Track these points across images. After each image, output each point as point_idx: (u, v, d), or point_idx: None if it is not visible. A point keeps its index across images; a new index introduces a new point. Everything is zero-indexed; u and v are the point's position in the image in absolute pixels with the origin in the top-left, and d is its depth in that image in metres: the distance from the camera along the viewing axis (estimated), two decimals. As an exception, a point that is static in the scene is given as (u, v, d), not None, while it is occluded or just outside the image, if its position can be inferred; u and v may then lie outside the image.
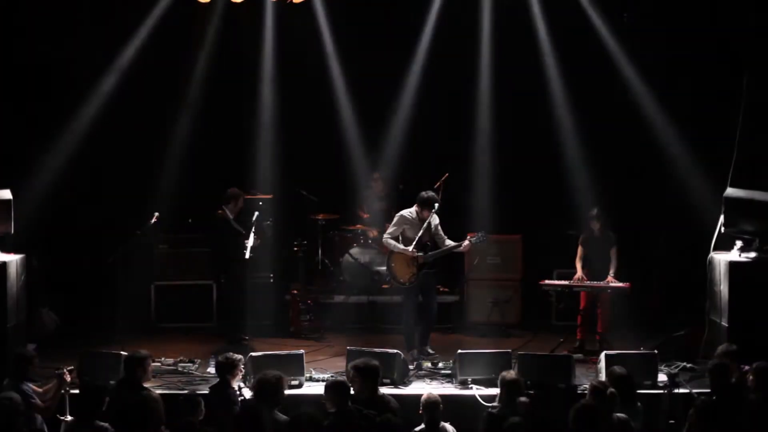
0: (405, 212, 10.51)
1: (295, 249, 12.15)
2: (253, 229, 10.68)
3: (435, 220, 10.39)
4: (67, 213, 12.69)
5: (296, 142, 13.27)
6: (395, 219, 10.56)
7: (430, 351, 10.43)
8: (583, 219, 11.08)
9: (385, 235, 10.56)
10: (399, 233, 10.37)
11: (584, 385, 9.26)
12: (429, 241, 10.35)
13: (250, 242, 10.56)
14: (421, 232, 10.20)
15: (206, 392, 8.38)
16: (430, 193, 10.46)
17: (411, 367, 9.86)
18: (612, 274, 10.72)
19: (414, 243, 10.20)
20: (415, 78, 13.31)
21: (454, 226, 11.05)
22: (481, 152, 13.18)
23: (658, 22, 12.48)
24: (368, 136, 13.15)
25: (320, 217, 12.56)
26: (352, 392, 7.86)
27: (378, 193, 12.83)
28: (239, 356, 8.47)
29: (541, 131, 13.16)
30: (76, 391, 8.50)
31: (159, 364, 9.99)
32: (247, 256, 10.41)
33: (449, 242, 10.46)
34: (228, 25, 13.09)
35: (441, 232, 10.45)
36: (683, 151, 12.65)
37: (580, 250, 10.95)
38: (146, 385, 8.45)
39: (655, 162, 12.80)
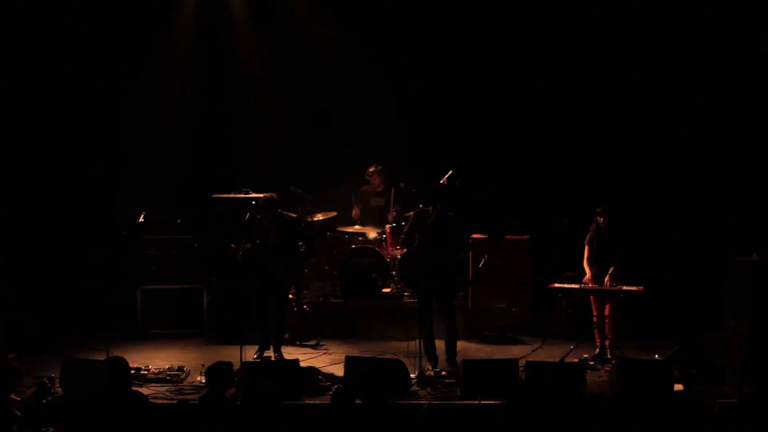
0: (420, 209, 10.45)
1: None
2: (245, 231, 10.60)
3: (453, 221, 10.26)
4: (48, 212, 12.65)
5: (291, 138, 13.24)
6: (410, 217, 10.50)
7: (458, 364, 10.04)
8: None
9: (401, 236, 10.48)
10: (415, 232, 10.25)
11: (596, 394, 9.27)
12: (443, 243, 10.22)
13: (242, 244, 10.49)
14: (427, 227, 10.09)
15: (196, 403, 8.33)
16: (432, 186, 10.39)
17: (413, 375, 9.80)
18: (610, 275, 10.63)
19: (424, 243, 10.10)
20: (419, 71, 13.29)
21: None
22: (488, 148, 13.14)
23: (671, 13, 12.48)
24: (368, 132, 13.11)
25: (317, 216, 12.48)
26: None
27: (375, 189, 12.77)
28: (230, 363, 8.42)
29: (551, 127, 13.11)
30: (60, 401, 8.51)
31: (146, 372, 9.94)
32: (240, 258, 10.34)
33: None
34: (216, 16, 13.12)
35: (459, 236, 10.32)
36: (700, 146, 12.62)
37: (587, 250, 10.89)
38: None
39: (670, 157, 12.76)
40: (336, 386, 9.31)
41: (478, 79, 13.15)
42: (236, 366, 9.57)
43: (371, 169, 12.68)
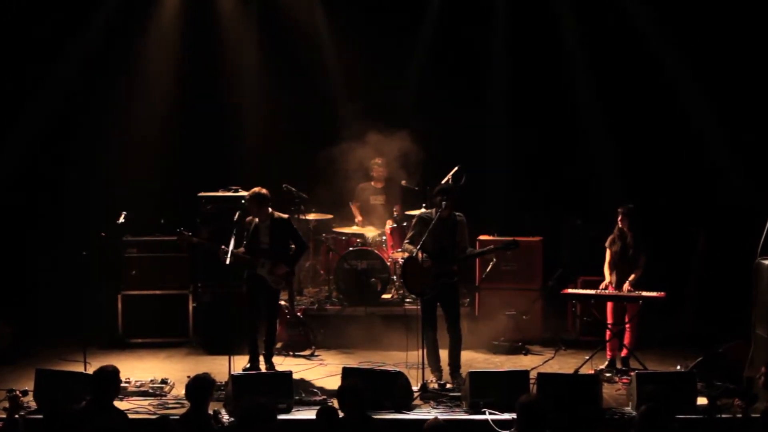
0: (423, 213, 10.44)
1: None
2: (234, 231, 10.60)
3: (460, 222, 10.26)
4: (23, 213, 12.66)
5: (285, 133, 13.25)
6: (413, 221, 10.50)
7: (463, 377, 10.00)
8: (612, 219, 10.99)
9: (405, 240, 10.47)
10: (419, 237, 10.22)
11: (613, 409, 9.26)
12: (450, 246, 10.22)
13: (231, 245, 10.50)
14: (431, 230, 10.06)
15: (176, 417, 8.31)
16: (440, 186, 10.39)
17: (415, 388, 9.79)
18: (630, 282, 10.62)
19: (428, 247, 10.08)
20: (422, 64, 13.34)
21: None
22: (496, 143, 13.15)
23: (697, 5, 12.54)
24: (366, 129, 13.13)
25: (311, 217, 12.49)
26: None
27: (377, 185, 12.78)
28: (209, 375, 8.39)
29: (564, 121, 13.13)
30: (34, 416, 8.50)
31: (127, 384, 9.93)
32: (228, 261, 10.35)
33: (472, 249, 10.42)
34: (208, 12, 13.19)
35: (465, 238, 10.30)
36: (727, 144, 12.64)
37: (607, 254, 10.87)
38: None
39: (694, 156, 12.77)
40: (329, 401, 9.32)
41: (484, 76, 13.20)
42: (225, 378, 9.58)
43: (377, 161, 12.70)
